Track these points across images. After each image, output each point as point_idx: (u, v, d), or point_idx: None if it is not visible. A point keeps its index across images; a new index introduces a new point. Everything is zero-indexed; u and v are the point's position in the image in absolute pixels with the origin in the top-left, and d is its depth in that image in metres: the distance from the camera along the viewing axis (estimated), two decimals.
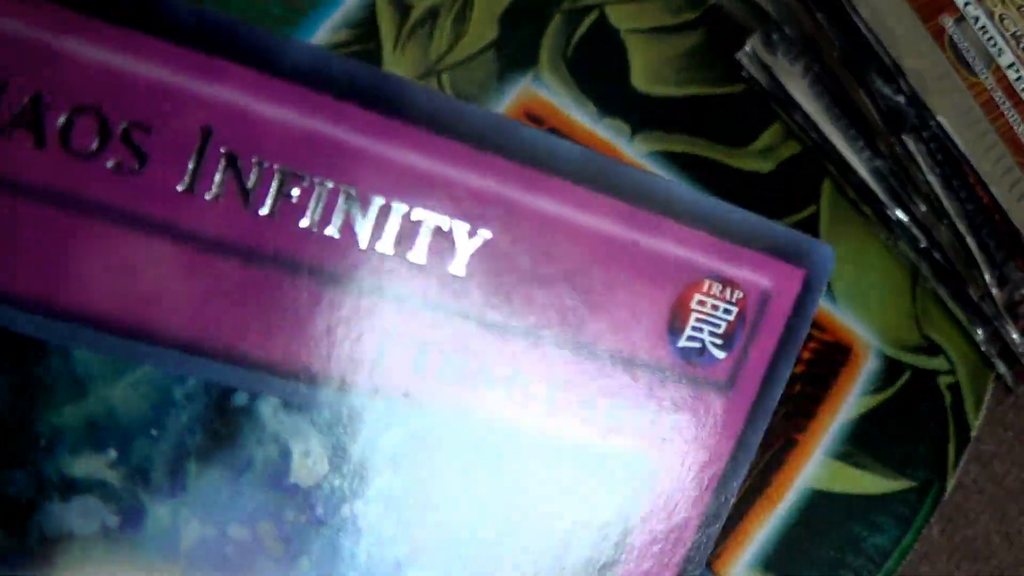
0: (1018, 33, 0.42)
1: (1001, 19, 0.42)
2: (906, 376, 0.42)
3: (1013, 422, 0.44)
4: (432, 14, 0.42)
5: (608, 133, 0.42)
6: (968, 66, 0.41)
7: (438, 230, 0.21)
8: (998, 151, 0.41)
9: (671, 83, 0.43)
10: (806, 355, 0.41)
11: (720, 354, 0.23)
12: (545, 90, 0.42)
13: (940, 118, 0.40)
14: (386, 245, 0.21)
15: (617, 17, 0.43)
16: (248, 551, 0.21)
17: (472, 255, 0.21)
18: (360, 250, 0.20)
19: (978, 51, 0.41)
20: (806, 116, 0.42)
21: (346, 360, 0.21)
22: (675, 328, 0.22)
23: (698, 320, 0.23)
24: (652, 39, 0.43)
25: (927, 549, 0.42)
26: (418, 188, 0.21)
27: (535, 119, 0.41)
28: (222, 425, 0.21)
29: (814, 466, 0.41)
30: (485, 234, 0.21)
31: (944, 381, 0.42)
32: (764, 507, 0.40)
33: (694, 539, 0.25)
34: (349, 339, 0.20)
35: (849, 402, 0.41)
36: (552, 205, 0.22)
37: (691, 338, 0.23)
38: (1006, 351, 0.43)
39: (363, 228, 0.20)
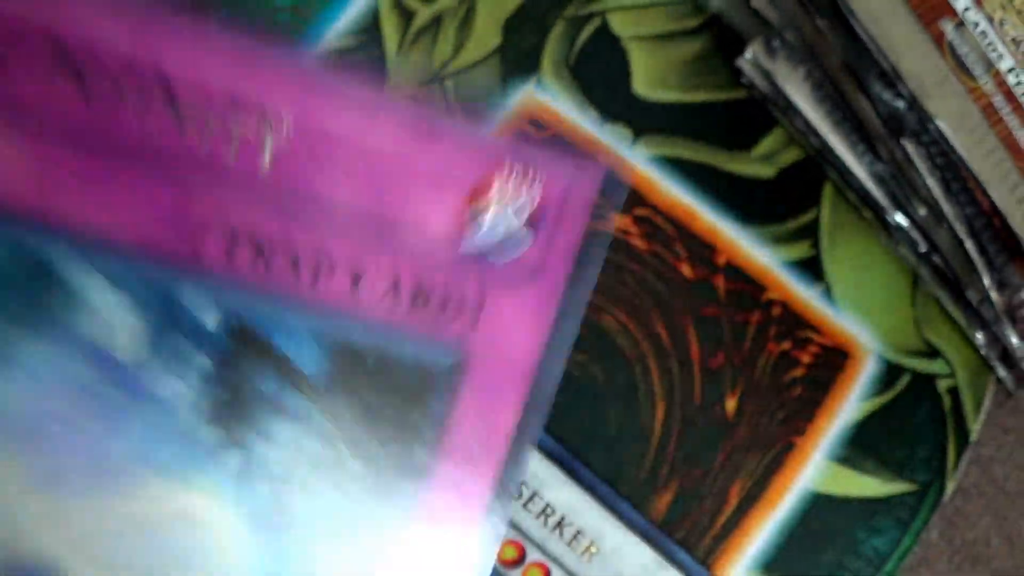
0: (1018, 38, 0.43)
1: (1001, 23, 0.42)
2: (905, 380, 0.42)
3: (1013, 425, 0.44)
4: (436, 20, 0.42)
5: (610, 138, 0.42)
6: (967, 71, 0.41)
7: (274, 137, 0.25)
8: (998, 155, 0.41)
9: (673, 89, 0.43)
10: (805, 359, 0.42)
11: (525, 242, 0.26)
12: (548, 96, 0.42)
13: (939, 122, 0.40)
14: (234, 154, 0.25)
15: (619, 24, 0.43)
16: (67, 422, 0.23)
17: (273, 154, 0.25)
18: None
19: (978, 56, 0.42)
20: (807, 122, 0.42)
21: (175, 240, 0.24)
22: (476, 215, 0.26)
23: (496, 210, 0.26)
24: (654, 45, 0.43)
25: (927, 552, 0.43)
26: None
27: (538, 125, 0.42)
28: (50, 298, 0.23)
29: (813, 469, 0.41)
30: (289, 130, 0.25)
31: (944, 385, 0.43)
32: (763, 510, 0.40)
33: (515, 425, 0.27)
34: (186, 220, 0.24)
35: (848, 405, 0.42)
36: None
37: (490, 228, 0.26)
38: (1006, 355, 0.43)
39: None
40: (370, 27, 0.42)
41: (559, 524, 0.39)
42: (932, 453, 0.42)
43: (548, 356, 0.26)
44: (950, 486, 0.42)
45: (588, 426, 0.40)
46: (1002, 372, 0.43)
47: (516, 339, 0.26)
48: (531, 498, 0.39)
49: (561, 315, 0.27)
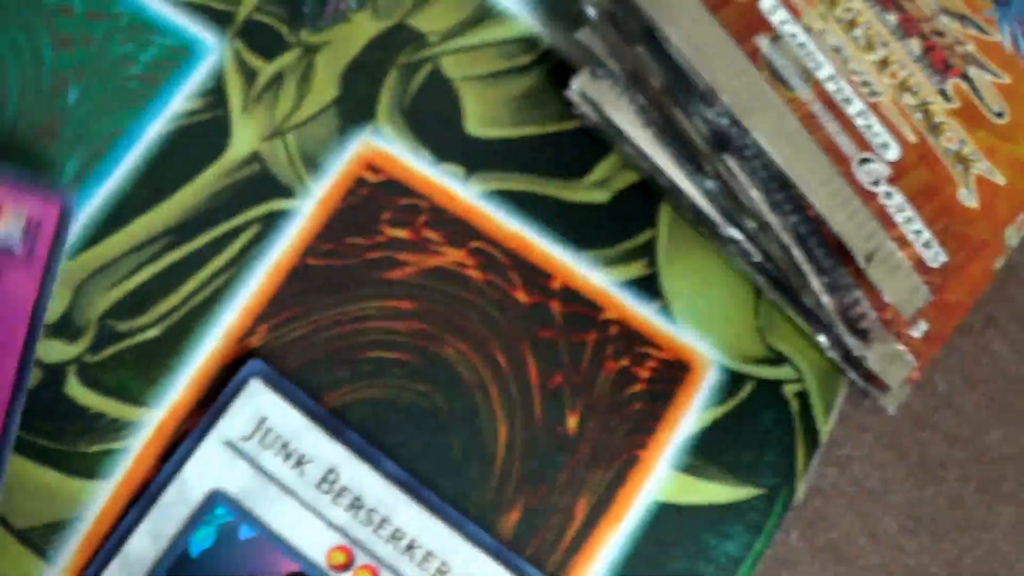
0: (839, 46, 0.44)
1: (821, 33, 0.44)
2: (749, 387, 0.43)
3: (870, 424, 0.45)
4: (278, 77, 0.45)
5: (444, 177, 0.44)
6: (784, 82, 0.43)
7: None
8: (819, 162, 0.42)
9: (505, 125, 0.45)
10: (644, 374, 0.43)
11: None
12: (383, 141, 0.44)
13: (756, 135, 0.42)
14: None
15: (451, 67, 0.45)
16: None
17: None
18: None
19: (796, 67, 0.43)
20: (636, 146, 0.44)
21: None
22: None
23: None
24: (485, 85, 0.45)
25: (787, 555, 0.43)
26: None
27: (375, 169, 0.44)
28: None
29: (659, 480, 0.42)
30: None
31: (791, 389, 0.44)
32: (611, 523, 0.42)
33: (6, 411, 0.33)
34: None
35: (691, 416, 0.43)
36: None
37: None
38: (851, 356, 0.44)
39: None
40: (215, 89, 0.45)
41: (409, 547, 0.41)
42: (780, 457, 0.43)
43: (30, 340, 0.34)
44: (801, 488, 0.43)
45: (433, 452, 0.42)
46: (851, 373, 0.44)
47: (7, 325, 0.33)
48: (381, 524, 0.41)
49: (38, 306, 0.34)
